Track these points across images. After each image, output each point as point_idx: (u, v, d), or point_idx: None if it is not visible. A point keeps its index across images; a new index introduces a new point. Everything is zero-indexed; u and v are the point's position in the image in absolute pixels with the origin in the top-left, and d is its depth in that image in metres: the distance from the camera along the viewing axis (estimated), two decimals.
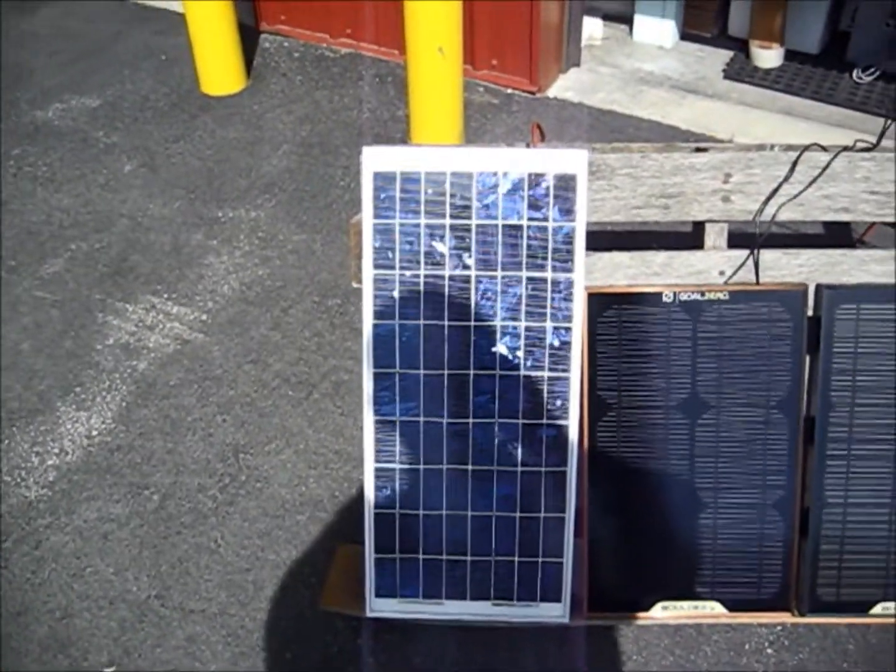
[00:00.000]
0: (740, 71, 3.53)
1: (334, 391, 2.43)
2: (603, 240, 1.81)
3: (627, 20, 3.78)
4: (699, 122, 3.27)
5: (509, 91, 3.45)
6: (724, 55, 3.65)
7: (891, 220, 1.76)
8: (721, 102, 3.39)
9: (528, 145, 1.80)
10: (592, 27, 3.74)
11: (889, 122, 2.00)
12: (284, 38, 3.77)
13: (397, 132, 3.25)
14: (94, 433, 2.35)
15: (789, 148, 1.79)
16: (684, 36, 3.75)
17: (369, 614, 1.84)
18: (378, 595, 1.83)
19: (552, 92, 3.45)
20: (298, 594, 2.03)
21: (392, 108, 3.36)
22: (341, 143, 3.26)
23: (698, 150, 1.80)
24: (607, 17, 3.80)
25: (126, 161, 3.22)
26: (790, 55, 3.56)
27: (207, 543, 2.12)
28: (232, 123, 3.36)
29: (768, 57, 3.52)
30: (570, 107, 3.37)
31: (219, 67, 3.43)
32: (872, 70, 3.42)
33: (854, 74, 3.45)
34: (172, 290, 2.73)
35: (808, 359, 1.76)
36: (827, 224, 2.72)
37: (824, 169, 1.72)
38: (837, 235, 2.71)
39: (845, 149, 1.75)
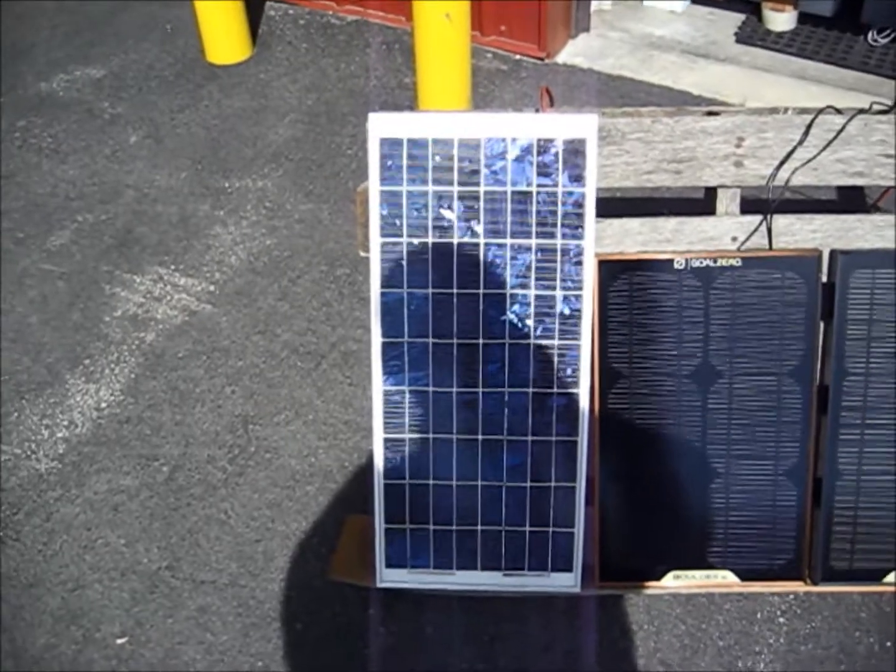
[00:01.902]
0: (752, 34, 3.47)
1: (343, 361, 2.42)
2: (614, 206, 1.79)
3: None
4: (710, 86, 3.23)
5: (518, 57, 3.40)
6: (736, 18, 3.59)
7: None
8: (733, 66, 3.34)
9: (537, 111, 1.77)
10: None
11: None
12: (290, 6, 3.72)
13: (405, 100, 3.22)
14: (104, 405, 2.35)
15: (803, 111, 1.75)
16: None
17: (379, 584, 1.84)
18: (388, 565, 1.83)
19: (561, 58, 3.40)
20: (308, 565, 2.03)
21: (399, 76, 3.32)
22: (348, 111, 3.22)
23: (710, 114, 1.77)
24: None
25: (131, 132, 3.20)
26: (803, 18, 3.50)
27: (217, 515, 2.12)
28: (237, 93, 3.33)
29: (781, 20, 3.46)
30: (580, 72, 3.32)
31: (224, 36, 3.39)
32: (888, 32, 3.36)
33: (869, 37, 3.39)
34: (180, 262, 2.71)
35: (821, 326, 1.74)
36: (841, 190, 2.69)
37: (839, 132, 1.69)
38: (851, 201, 2.67)
39: (861, 111, 1.72)
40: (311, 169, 3.01)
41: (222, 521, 2.11)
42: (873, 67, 3.28)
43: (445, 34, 2.88)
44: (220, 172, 3.00)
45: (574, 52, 3.43)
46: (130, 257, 2.74)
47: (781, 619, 1.91)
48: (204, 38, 3.42)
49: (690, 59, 3.39)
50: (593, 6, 3.59)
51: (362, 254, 1.77)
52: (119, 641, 1.91)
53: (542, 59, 3.37)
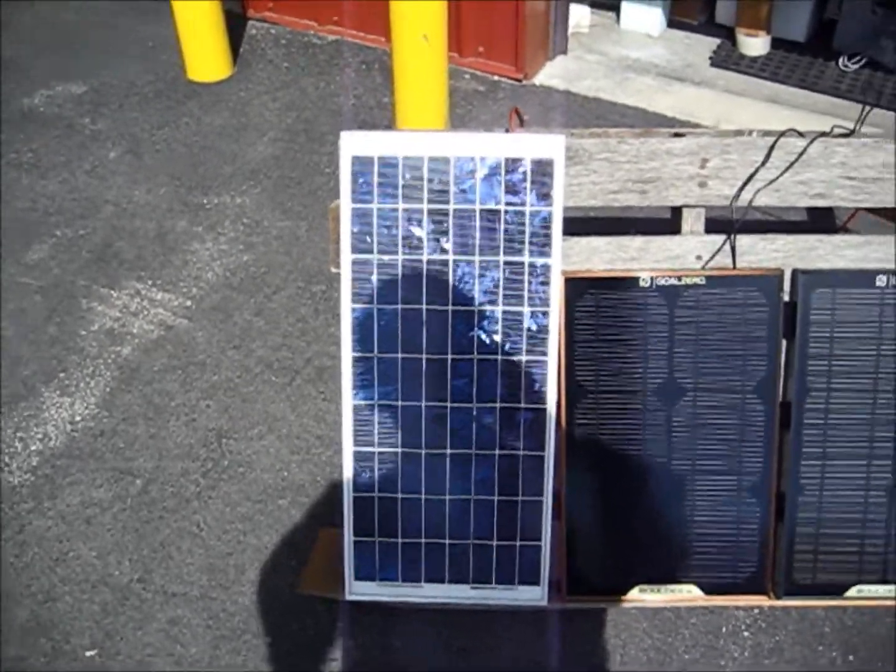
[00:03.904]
0: (727, 58, 3.53)
1: (317, 376, 2.44)
2: (582, 225, 1.82)
3: (615, 8, 3.78)
4: (685, 109, 3.28)
5: (495, 78, 3.45)
6: (711, 43, 3.65)
7: (868, 205, 1.77)
8: (707, 90, 3.40)
9: (507, 131, 1.80)
10: (580, 15, 3.73)
11: (868, 108, 2.01)
12: (272, 25, 3.76)
13: (383, 119, 3.25)
14: (78, 419, 2.36)
15: (767, 134, 1.80)
16: (671, 23, 3.76)
17: (348, 597, 1.85)
18: (357, 578, 1.84)
19: (538, 79, 3.45)
20: (279, 578, 2.04)
21: (378, 95, 3.36)
22: (327, 130, 3.25)
23: (676, 135, 1.81)
24: (595, 5, 3.80)
25: (111, 147, 3.22)
26: (777, 43, 3.57)
27: (190, 528, 2.13)
28: (218, 110, 3.36)
29: (754, 45, 3.52)
30: (556, 94, 3.37)
31: (205, 54, 3.43)
32: (858, 58, 3.42)
33: (840, 62, 3.45)
34: (157, 277, 2.73)
35: (784, 344, 1.77)
36: (810, 211, 2.73)
37: (800, 154, 1.73)
38: (820, 222, 2.72)
39: (822, 134, 1.76)
40: (289, 186, 3.03)
41: (194, 534, 2.12)
42: (844, 92, 3.34)
43: (423, 55, 2.92)
44: (199, 189, 3.03)
45: (551, 74, 3.47)
46: (108, 272, 2.75)
47: (746, 634, 1.94)
48: (185, 56, 3.45)
49: (666, 81, 3.44)
50: (571, 29, 3.64)
51: (334, 270, 1.79)
52: (89, 654, 1.92)
53: (519, 81, 3.41)
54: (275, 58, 3.60)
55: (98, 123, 3.33)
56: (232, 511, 2.16)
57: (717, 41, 3.65)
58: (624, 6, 3.70)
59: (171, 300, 2.66)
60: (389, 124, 3.21)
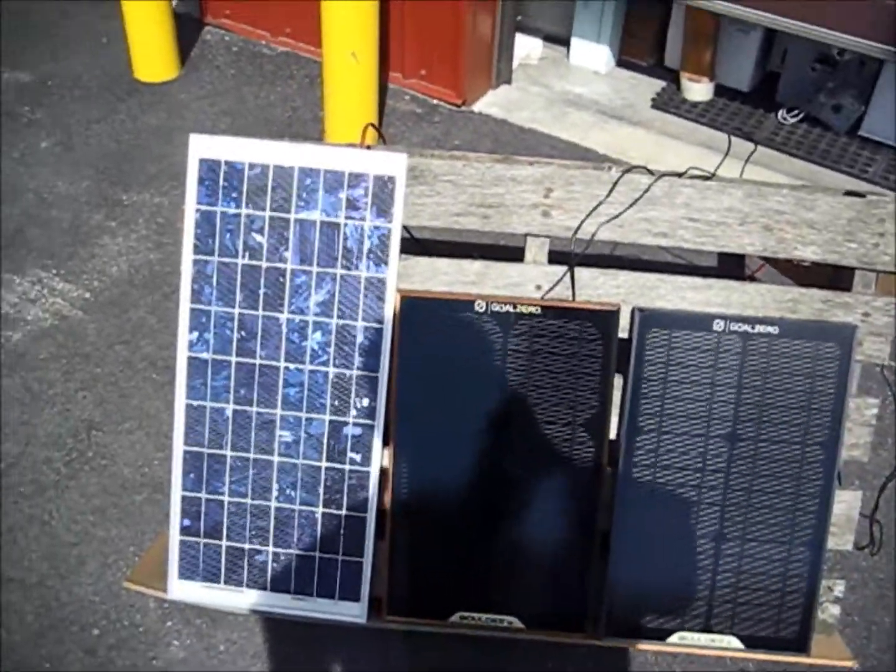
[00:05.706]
0: (668, 101, 3.55)
1: None
2: (433, 246, 1.83)
3: (567, 42, 3.79)
4: (617, 146, 3.29)
5: (435, 102, 3.46)
6: (657, 85, 3.66)
7: (711, 249, 1.78)
8: (643, 130, 3.41)
9: (368, 147, 1.81)
10: (531, 47, 3.75)
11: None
12: (226, 32, 3.79)
13: (315, 133, 3.27)
14: None
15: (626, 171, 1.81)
16: (621, 63, 3.77)
17: (170, 596, 1.85)
18: (181, 577, 1.84)
19: (478, 106, 3.47)
20: (119, 572, 2.04)
21: (315, 109, 3.38)
22: (257, 138, 3.26)
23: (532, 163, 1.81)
24: (548, 38, 3.82)
25: (44, 137, 3.24)
26: (721, 90, 3.58)
27: (41, 515, 2.14)
28: (156, 110, 3.38)
29: (697, 90, 3.54)
30: (492, 122, 3.38)
31: (151, 55, 3.45)
32: (797, 112, 3.44)
33: (779, 115, 3.47)
34: (62, 267, 2.75)
35: (620, 381, 1.77)
36: (722, 259, 2.73)
37: (644, 192, 1.74)
38: (733, 270, 2.72)
39: (666, 174, 1.77)
40: None
41: (44, 522, 2.12)
42: (779, 144, 3.35)
43: (351, 72, 2.95)
44: (121, 185, 3.05)
45: (492, 102, 3.49)
46: (16, 258, 2.77)
47: (570, 670, 1.93)
48: (132, 55, 3.48)
49: (604, 119, 3.46)
50: (520, 60, 3.67)
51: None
52: None
53: (458, 106, 3.43)
54: (222, 64, 3.63)
55: (37, 113, 3.35)
56: (86, 502, 2.17)
57: (663, 84, 3.66)
58: (574, 41, 3.71)
59: (71, 291, 2.67)
60: (320, 138, 3.23)
